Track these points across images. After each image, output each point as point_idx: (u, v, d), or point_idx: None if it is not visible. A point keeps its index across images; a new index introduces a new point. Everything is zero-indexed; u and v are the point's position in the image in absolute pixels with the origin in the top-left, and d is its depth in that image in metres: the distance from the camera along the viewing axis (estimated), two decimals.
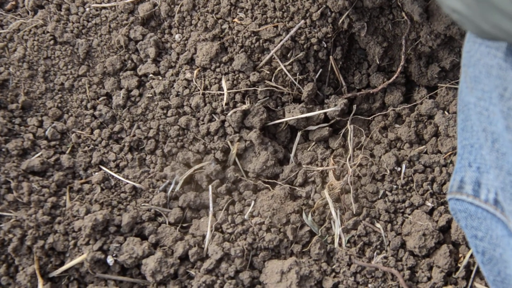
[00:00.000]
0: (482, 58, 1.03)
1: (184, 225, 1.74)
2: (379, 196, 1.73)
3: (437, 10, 1.73)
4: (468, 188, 1.12)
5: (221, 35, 1.80)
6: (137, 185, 1.75)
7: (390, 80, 1.87)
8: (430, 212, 1.70)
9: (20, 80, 1.80)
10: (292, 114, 1.81)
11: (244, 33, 1.78)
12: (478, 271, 1.62)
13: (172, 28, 1.86)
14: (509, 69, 0.96)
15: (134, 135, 1.80)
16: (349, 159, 1.77)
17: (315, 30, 1.80)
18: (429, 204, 1.70)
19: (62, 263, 1.64)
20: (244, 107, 1.76)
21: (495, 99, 1.00)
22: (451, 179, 1.16)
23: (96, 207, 1.68)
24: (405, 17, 1.79)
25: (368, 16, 1.82)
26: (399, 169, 1.75)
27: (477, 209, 1.11)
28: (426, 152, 1.79)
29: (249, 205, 1.73)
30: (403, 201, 1.71)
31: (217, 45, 1.78)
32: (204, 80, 1.78)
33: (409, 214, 1.70)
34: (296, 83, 1.83)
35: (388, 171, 1.74)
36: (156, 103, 1.80)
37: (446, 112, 1.81)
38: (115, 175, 1.76)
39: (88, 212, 1.66)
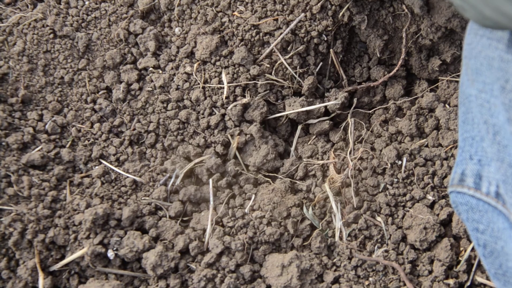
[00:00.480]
0: (483, 50, 1.02)
1: (184, 218, 1.74)
2: (380, 190, 1.72)
3: (438, 3, 1.72)
4: (469, 181, 1.12)
5: (221, 29, 1.80)
6: (137, 179, 1.75)
7: (391, 73, 1.87)
8: (431, 206, 1.70)
9: (19, 74, 1.80)
10: (293, 108, 1.81)
11: (244, 26, 1.78)
12: (479, 265, 1.62)
13: (172, 22, 1.85)
14: (511, 61, 0.96)
15: (134, 129, 1.80)
16: (350, 153, 1.77)
17: (315, 23, 1.80)
18: (430, 197, 1.70)
19: (63, 257, 1.64)
20: (245, 100, 1.76)
21: (496, 91, 0.99)
22: (452, 172, 1.16)
23: (97, 201, 1.68)
24: (406, 10, 1.79)
25: (369, 9, 1.82)
26: (400, 162, 1.74)
27: (479, 202, 1.10)
28: (427, 146, 1.78)
29: (249, 198, 1.73)
30: (404, 195, 1.71)
31: (217, 38, 1.77)
32: (204, 74, 1.78)
33: (410, 208, 1.69)
34: (297, 76, 1.82)
35: (389, 165, 1.73)
36: (156, 96, 1.80)
37: (447, 105, 1.80)
38: (115, 169, 1.76)
39: (88, 206, 1.66)
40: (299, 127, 1.86)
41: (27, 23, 1.82)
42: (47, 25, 1.83)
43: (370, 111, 1.91)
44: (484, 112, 1.05)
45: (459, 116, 1.16)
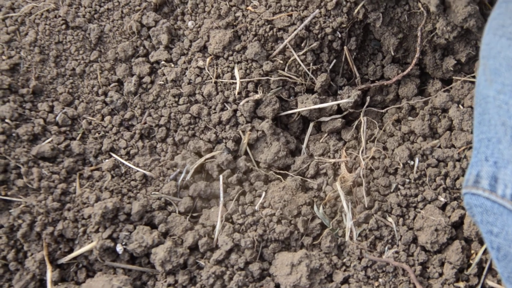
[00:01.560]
0: (502, 51, 1.01)
1: (194, 214, 1.73)
2: (392, 190, 1.71)
3: (454, 2, 1.71)
4: (485, 183, 1.10)
5: (234, 23, 1.79)
6: (147, 173, 1.74)
7: (405, 72, 1.85)
8: (443, 207, 1.69)
9: (31, 65, 1.80)
10: (305, 105, 1.79)
11: (258, 21, 1.77)
12: (490, 268, 1.61)
13: (185, 15, 1.84)
14: None
15: (145, 123, 1.79)
16: (362, 152, 1.76)
17: (330, 20, 1.78)
18: (442, 199, 1.68)
19: (71, 250, 1.64)
20: (257, 96, 1.75)
21: None
22: (467, 173, 1.14)
23: (106, 195, 1.67)
24: (421, 8, 1.77)
25: (384, 7, 1.80)
26: (412, 162, 1.73)
27: (493, 205, 1.09)
28: (439, 146, 1.77)
29: (260, 196, 1.72)
30: (416, 196, 1.70)
31: (230, 33, 1.76)
32: (217, 69, 1.77)
33: (421, 209, 1.68)
34: (310, 73, 1.81)
35: (401, 165, 1.72)
36: (167, 90, 1.79)
37: (461, 106, 1.79)
38: (126, 163, 1.75)
39: (98, 199, 1.65)
40: (311, 124, 1.85)
41: (39, 13, 1.82)
42: (60, 16, 1.82)
43: (383, 110, 1.90)
44: (502, 113, 1.03)
45: (475, 117, 1.14)
